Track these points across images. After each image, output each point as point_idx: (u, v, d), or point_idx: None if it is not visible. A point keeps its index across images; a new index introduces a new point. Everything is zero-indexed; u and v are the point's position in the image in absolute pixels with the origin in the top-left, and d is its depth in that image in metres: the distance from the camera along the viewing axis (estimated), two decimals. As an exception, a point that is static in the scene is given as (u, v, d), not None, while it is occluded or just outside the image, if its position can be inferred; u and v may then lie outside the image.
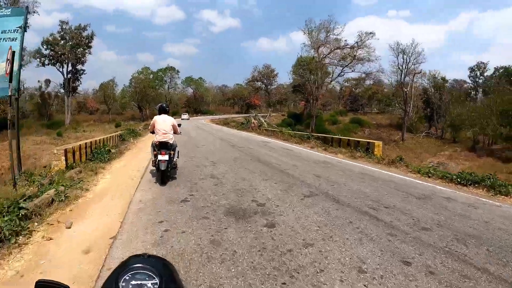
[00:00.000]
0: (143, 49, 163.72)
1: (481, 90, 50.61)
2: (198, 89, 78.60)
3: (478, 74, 54.75)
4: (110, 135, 15.14)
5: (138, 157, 10.73)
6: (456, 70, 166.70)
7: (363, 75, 45.37)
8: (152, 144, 6.64)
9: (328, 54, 42.46)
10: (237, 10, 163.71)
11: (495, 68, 53.12)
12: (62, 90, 50.45)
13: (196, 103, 77.74)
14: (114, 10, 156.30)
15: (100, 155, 9.65)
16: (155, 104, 68.80)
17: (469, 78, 55.75)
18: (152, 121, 6.56)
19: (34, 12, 37.70)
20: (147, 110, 66.03)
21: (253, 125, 28.16)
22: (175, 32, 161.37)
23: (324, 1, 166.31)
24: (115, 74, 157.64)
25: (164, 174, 6.12)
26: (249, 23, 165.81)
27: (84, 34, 48.49)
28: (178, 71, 71.45)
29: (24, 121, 47.49)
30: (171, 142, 6.37)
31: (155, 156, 6.17)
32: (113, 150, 11.47)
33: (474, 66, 55.47)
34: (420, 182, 7.05)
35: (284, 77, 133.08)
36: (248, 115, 64.93)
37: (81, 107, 73.79)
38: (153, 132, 6.57)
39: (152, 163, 6.51)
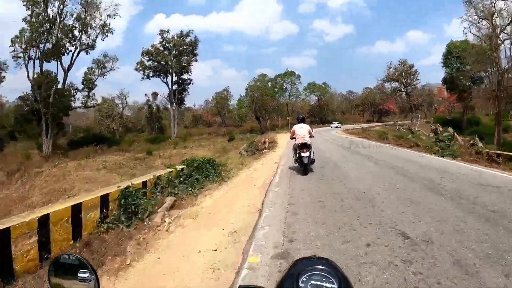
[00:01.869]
0: (261, 65, 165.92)
1: None
2: (322, 96, 65.04)
3: None
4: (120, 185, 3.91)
5: None
6: None
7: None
8: (293, 146, 8.56)
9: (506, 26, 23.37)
10: (348, 16, 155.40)
11: None
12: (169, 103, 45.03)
13: (321, 111, 64.24)
14: (230, 32, 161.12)
15: None
16: (277, 115, 59.50)
17: None
18: (292, 129, 8.59)
19: (114, 15, 31.56)
20: (267, 121, 56.19)
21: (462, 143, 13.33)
22: (290, 45, 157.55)
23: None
24: (238, 90, 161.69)
25: (307, 167, 7.93)
26: (362, 27, 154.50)
27: (187, 40, 41.89)
28: (299, 76, 59.40)
29: (130, 135, 44.09)
30: (309, 143, 8.15)
31: (298, 154, 8.11)
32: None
33: None
34: None
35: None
36: (386, 123, 48.95)
37: (197, 120, 70.65)
38: (292, 138, 8.45)
39: (294, 161, 8.54)
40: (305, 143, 8.01)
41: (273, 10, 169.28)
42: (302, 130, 8.19)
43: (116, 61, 36.40)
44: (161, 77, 43.54)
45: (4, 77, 35.22)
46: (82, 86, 33.81)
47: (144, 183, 5.94)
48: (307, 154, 7.83)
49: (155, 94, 54.08)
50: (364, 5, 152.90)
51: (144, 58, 41.98)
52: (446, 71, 37.51)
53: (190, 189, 6.55)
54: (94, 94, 35.30)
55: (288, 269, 0.80)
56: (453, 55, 35.44)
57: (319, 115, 64.97)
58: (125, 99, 49.17)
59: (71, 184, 15.26)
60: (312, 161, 8.26)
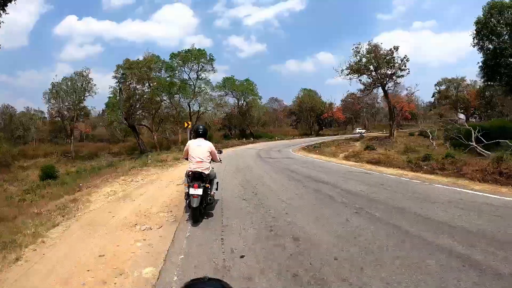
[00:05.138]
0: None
1: None
2: (244, 98, 45.63)
3: None
4: None
5: None
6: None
7: None
8: (186, 173, 5.29)
9: None
10: (263, 35, 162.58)
11: None
12: None
13: (243, 120, 45.32)
14: (144, 42, 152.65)
15: None
16: (175, 124, 32.85)
17: None
18: (185, 147, 5.38)
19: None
20: (155, 136, 33.47)
21: None
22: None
23: (347, 20, 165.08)
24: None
25: (195, 212, 4.81)
26: (276, 46, 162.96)
27: None
28: (211, 58, 37.28)
29: None
30: (206, 172, 5.09)
31: (188, 188, 4.89)
32: None
33: None
34: None
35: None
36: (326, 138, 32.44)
37: (59, 131, 45.84)
38: (187, 158, 5.36)
39: (185, 196, 5.15)
40: (199, 174, 4.98)
41: (189, 23, 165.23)
42: (198, 150, 5.15)
43: None
44: None
45: None
46: None
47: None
48: (198, 191, 4.75)
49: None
50: (278, 25, 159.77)
51: None
52: (486, 51, 21.69)
53: None
54: None
55: None
56: (494, 25, 20.51)
57: (241, 126, 46.03)
58: None
59: None
60: (209, 202, 5.25)
